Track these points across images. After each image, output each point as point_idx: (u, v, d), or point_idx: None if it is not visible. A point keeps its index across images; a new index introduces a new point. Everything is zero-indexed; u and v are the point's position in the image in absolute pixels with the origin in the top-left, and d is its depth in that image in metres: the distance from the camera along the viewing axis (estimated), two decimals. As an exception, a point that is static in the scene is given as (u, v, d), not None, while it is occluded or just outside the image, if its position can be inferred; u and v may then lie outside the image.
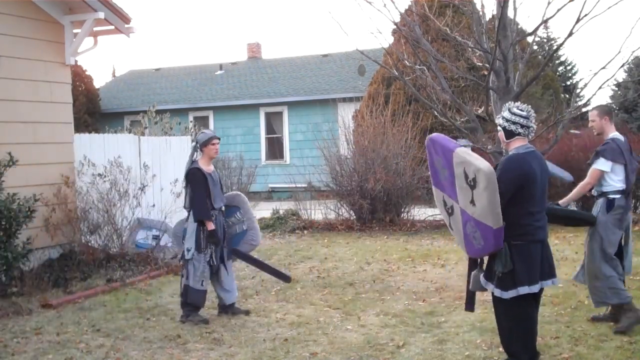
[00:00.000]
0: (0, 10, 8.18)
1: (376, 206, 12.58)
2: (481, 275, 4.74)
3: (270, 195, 19.65)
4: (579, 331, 5.59)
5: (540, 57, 18.82)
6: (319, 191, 14.04)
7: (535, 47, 16.79)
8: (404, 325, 6.02)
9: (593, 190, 5.81)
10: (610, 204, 5.61)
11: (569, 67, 31.13)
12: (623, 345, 5.19)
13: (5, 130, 8.10)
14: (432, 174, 4.94)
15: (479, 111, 8.22)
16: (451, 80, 10.14)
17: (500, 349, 5.14)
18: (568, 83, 29.37)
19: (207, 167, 6.45)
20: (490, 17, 9.69)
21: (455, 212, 4.71)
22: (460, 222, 4.66)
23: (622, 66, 7.51)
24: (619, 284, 5.63)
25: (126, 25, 9.31)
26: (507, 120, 4.66)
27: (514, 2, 7.76)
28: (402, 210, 12.94)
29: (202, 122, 20.99)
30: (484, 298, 6.84)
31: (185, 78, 24.87)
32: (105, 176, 8.99)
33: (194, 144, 6.51)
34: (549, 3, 7.26)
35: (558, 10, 7.20)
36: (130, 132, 12.91)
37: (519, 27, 9.43)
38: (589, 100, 8.95)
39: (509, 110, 4.71)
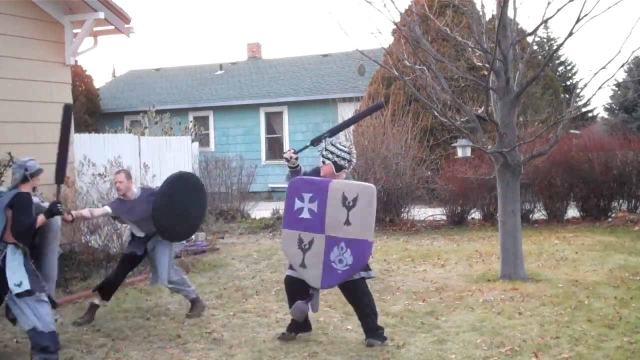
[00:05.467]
0: (0, 10, 8.19)
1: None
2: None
3: (271, 195, 19.65)
4: (579, 331, 5.59)
5: (540, 57, 18.80)
6: (319, 191, 14.01)
7: (535, 47, 16.79)
8: (404, 325, 6.01)
9: None
10: None
11: (569, 67, 31.15)
12: (623, 345, 5.19)
13: (5, 130, 8.10)
14: (288, 216, 5.41)
15: (479, 111, 8.19)
16: (451, 80, 10.11)
17: (501, 349, 5.15)
18: (568, 83, 29.39)
19: None
20: (490, 17, 9.67)
21: (314, 246, 5.30)
22: (321, 253, 5.26)
23: (622, 66, 7.47)
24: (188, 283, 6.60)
25: (126, 25, 9.31)
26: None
27: (514, 2, 7.74)
28: (402, 210, 12.93)
29: (202, 122, 21.00)
30: (484, 298, 6.85)
31: (185, 78, 24.86)
32: (105, 176, 8.99)
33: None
34: (549, 3, 7.23)
35: (558, 10, 7.17)
36: (130, 132, 12.92)
37: (519, 27, 9.41)
38: (589, 100, 8.92)
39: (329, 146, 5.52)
